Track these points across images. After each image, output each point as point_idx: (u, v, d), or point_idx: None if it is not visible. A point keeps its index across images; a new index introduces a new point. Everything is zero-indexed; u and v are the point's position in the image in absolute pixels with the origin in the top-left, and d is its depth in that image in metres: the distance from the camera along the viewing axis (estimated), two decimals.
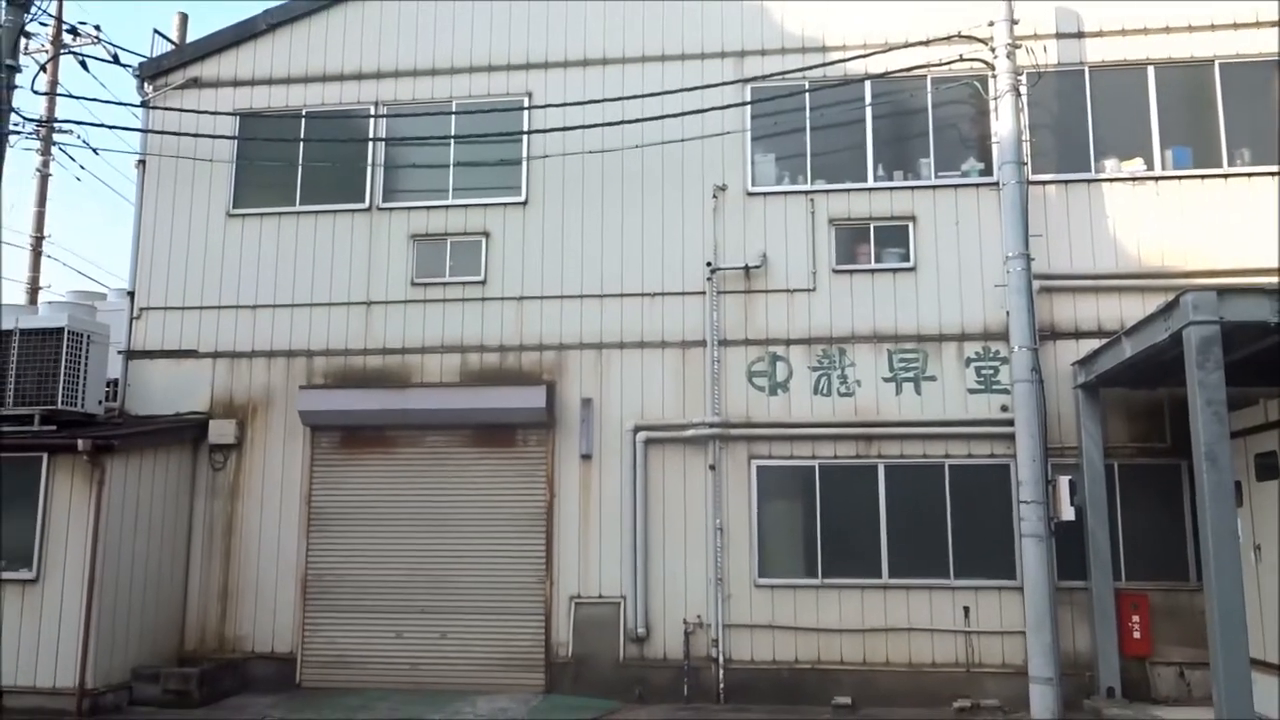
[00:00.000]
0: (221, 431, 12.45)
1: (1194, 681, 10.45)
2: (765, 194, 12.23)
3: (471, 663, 11.69)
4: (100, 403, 12.19)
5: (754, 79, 12.41)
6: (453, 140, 12.89)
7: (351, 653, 11.92)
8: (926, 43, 11.98)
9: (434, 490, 12.13)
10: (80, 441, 10.72)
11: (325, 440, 12.46)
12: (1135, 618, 10.70)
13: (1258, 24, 11.74)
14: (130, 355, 12.96)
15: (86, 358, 11.86)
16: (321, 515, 12.28)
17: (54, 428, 11.40)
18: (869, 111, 12.22)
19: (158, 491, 11.84)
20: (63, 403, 11.50)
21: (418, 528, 12.07)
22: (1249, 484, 9.66)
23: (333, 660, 11.93)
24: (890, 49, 12.10)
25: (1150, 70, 11.87)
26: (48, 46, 18.44)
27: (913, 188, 12.00)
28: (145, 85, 13.75)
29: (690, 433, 11.73)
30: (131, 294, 13.23)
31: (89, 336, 11.96)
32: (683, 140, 12.33)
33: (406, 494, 12.17)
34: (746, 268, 11.98)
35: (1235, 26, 11.76)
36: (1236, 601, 7.58)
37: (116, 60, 14.59)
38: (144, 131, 13.58)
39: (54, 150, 19.58)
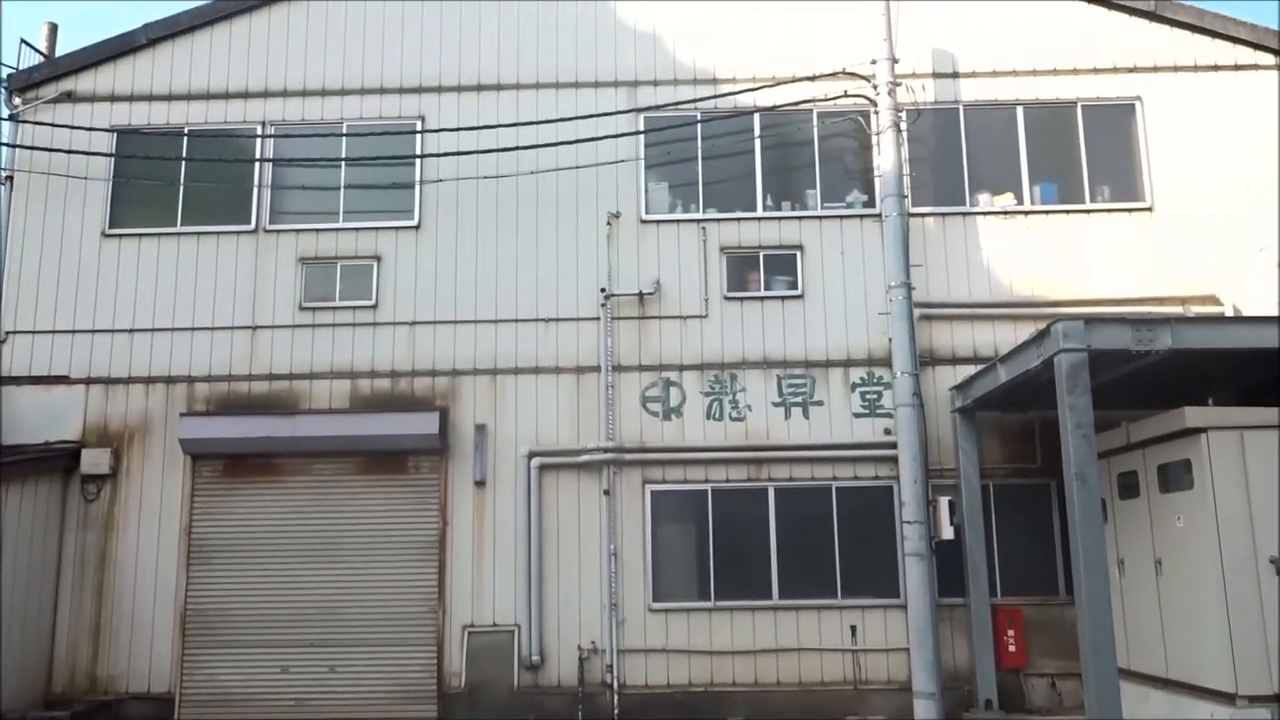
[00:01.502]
0: (95, 461, 11.91)
1: (1065, 691, 11.01)
2: (659, 221, 12.43)
3: (362, 696, 11.43)
4: None
5: (647, 109, 12.63)
6: (343, 162, 12.71)
7: (234, 690, 11.51)
8: (813, 78, 12.42)
9: (322, 520, 11.85)
10: None
11: (207, 469, 12.04)
12: (1010, 632, 11.20)
13: (1115, 70, 12.56)
14: None
15: None
16: (203, 547, 11.85)
17: None
18: (758, 143, 12.57)
19: (25, 525, 11.25)
20: None
21: (305, 559, 11.77)
22: (1113, 503, 10.24)
23: (214, 698, 11.50)
24: (778, 83, 12.50)
25: (1019, 110, 12.56)
26: None
27: (800, 218, 12.38)
28: (14, 98, 13.13)
29: (585, 458, 11.78)
30: None
31: None
32: (577, 167, 12.45)
33: (294, 524, 11.86)
34: (641, 294, 12.14)
35: (1095, 71, 12.56)
36: (1105, 614, 8.04)
37: None
38: (12, 146, 12.95)
39: None
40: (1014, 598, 11.42)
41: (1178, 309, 11.64)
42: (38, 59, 14.24)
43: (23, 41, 14.13)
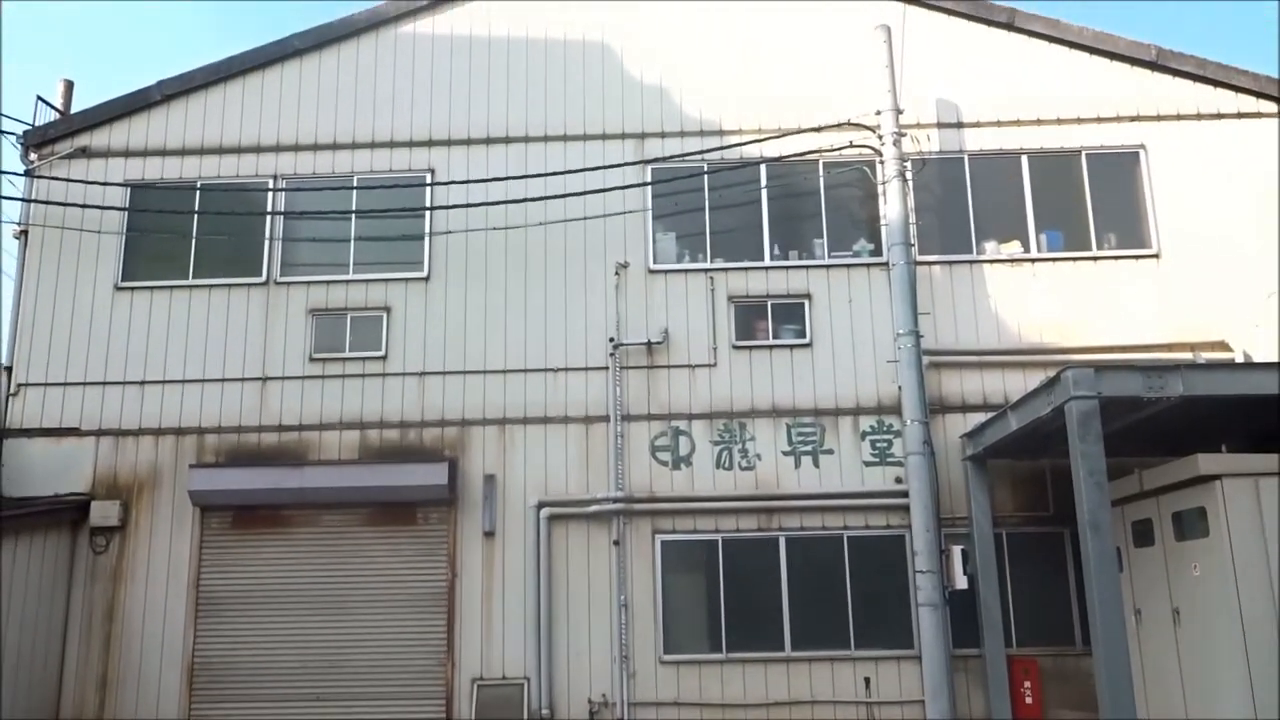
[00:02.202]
0: (104, 513, 11.89)
1: None
2: (666, 271, 12.50)
3: None
4: None
5: (654, 160, 12.76)
6: (354, 215, 12.84)
7: None
8: (818, 129, 12.55)
9: (331, 571, 11.80)
10: None
11: (216, 521, 12.02)
12: (1026, 683, 11.04)
13: (1118, 119, 12.68)
14: (5, 434, 12.32)
15: None
16: (211, 600, 11.79)
17: None
18: (765, 193, 12.67)
19: (33, 577, 11.22)
20: None
21: (313, 611, 11.69)
22: (1128, 551, 10.16)
23: None
24: (784, 134, 12.62)
25: (1024, 159, 12.66)
26: None
27: (807, 267, 12.44)
28: (30, 154, 13.32)
29: (594, 508, 11.73)
30: (8, 369, 12.63)
31: None
32: (585, 218, 12.55)
33: (302, 576, 11.80)
34: (649, 343, 12.17)
35: (1099, 120, 12.68)
36: (1123, 665, 7.94)
37: None
38: (26, 201, 13.12)
39: None
40: (1030, 648, 11.27)
41: (1187, 355, 11.61)
42: (54, 115, 14.49)
43: (39, 99, 14.36)
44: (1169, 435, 9.70)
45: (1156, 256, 12.29)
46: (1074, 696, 10.99)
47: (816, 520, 11.71)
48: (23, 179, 13.36)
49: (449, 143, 13.01)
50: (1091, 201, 12.54)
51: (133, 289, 12.75)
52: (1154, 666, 9.76)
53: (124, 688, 11.56)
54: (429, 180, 12.89)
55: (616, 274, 12.45)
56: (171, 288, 12.72)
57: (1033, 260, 12.35)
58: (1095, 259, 12.33)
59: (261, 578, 11.81)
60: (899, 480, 11.62)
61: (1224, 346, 11.84)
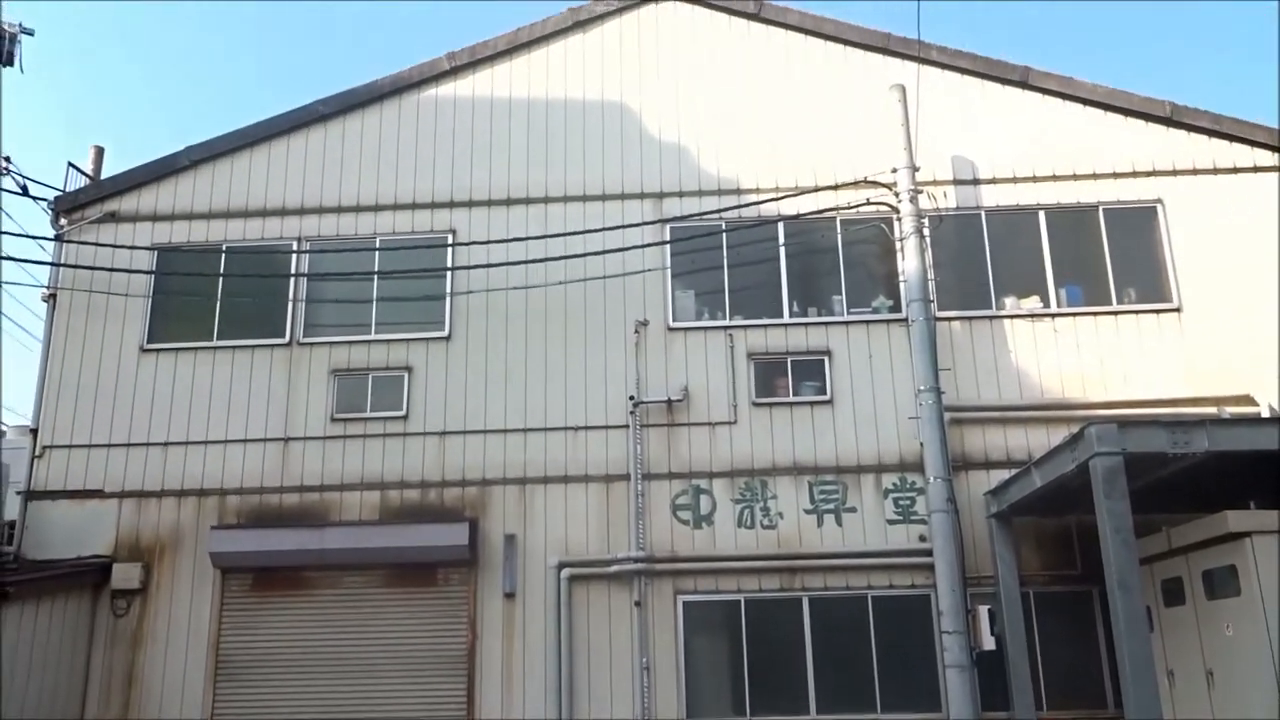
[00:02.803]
0: (126, 576, 11.90)
1: None
2: (686, 329, 12.53)
3: None
4: None
5: (673, 219, 12.87)
6: (376, 275, 12.98)
7: None
8: (835, 187, 12.65)
9: (351, 633, 11.72)
10: None
11: (236, 583, 12.00)
12: None
13: (1134, 174, 12.71)
14: (30, 495, 12.41)
15: None
16: (230, 663, 11.73)
17: None
18: (783, 251, 12.74)
19: (54, 641, 11.20)
20: None
21: (333, 674, 11.60)
22: (1159, 610, 9.98)
23: None
24: (801, 192, 12.73)
25: (1041, 214, 12.69)
26: None
27: (827, 323, 12.45)
28: (60, 219, 13.58)
29: (615, 568, 11.65)
30: (34, 431, 12.75)
31: None
32: (604, 277, 12.64)
33: (322, 638, 11.73)
34: (669, 401, 12.16)
35: (1115, 176, 12.71)
36: None
37: (25, 192, 14.39)
38: (56, 265, 13.34)
39: None
40: (1060, 711, 11.02)
41: (1212, 410, 11.49)
42: (84, 181, 14.80)
43: (70, 165, 14.68)
44: (1198, 491, 9.57)
45: (1178, 310, 12.23)
46: None
47: (840, 580, 11.57)
48: (52, 243, 13.61)
49: (470, 204, 13.18)
50: (1110, 256, 12.52)
51: (158, 351, 12.89)
52: None
53: None
54: (450, 241, 13.04)
55: (636, 332, 12.49)
56: (196, 349, 12.86)
57: (1053, 315, 12.31)
58: (1116, 313, 12.29)
59: (281, 640, 11.75)
60: (923, 538, 11.49)
61: (1249, 401, 11.71)
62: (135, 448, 12.50)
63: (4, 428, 14.97)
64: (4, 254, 13.30)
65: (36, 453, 12.59)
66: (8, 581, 10.60)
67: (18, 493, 12.33)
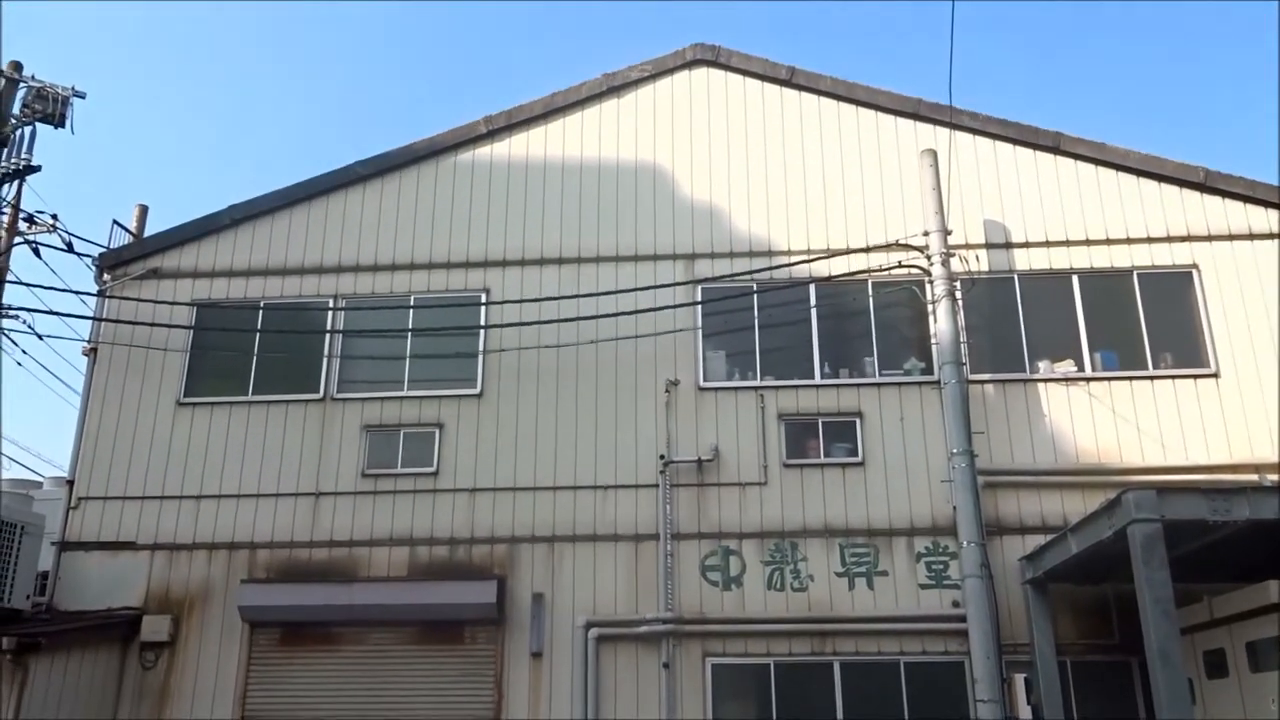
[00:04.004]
0: (155, 628, 11.93)
1: None
2: (716, 389, 12.54)
3: None
4: (28, 597, 11.69)
5: (704, 280, 12.96)
6: (409, 333, 13.12)
7: None
8: (867, 249, 12.71)
9: (377, 691, 11.64)
10: (4, 640, 10.19)
11: (264, 638, 11.99)
12: None
13: (1169, 239, 12.67)
14: (65, 546, 12.51)
15: (18, 549, 11.47)
16: (257, 718, 11.65)
17: None
18: (814, 312, 12.76)
19: (82, 694, 11.21)
20: None
21: None
22: (1200, 682, 9.72)
23: None
24: (833, 254, 12.80)
25: (1075, 278, 12.66)
26: (1, 234, 18.56)
27: (858, 385, 12.41)
28: (104, 274, 13.88)
29: (643, 629, 11.53)
30: (70, 483, 12.91)
31: (23, 527, 11.61)
32: (636, 337, 12.70)
33: (348, 695, 11.65)
34: (699, 461, 12.13)
35: (1149, 240, 12.68)
36: None
37: (71, 249, 14.74)
38: (97, 320, 13.61)
39: None
40: None
41: (1252, 476, 11.30)
42: (127, 238, 15.15)
43: (115, 223, 15.06)
44: (1237, 560, 9.38)
45: (1216, 376, 12.09)
46: None
47: (872, 645, 11.38)
48: (94, 298, 13.91)
49: (504, 263, 13.35)
50: (1146, 320, 12.43)
51: (194, 405, 13.06)
52: None
53: None
54: (483, 300, 13.19)
55: (667, 391, 12.51)
56: (231, 404, 13.02)
57: (1088, 379, 12.21)
58: (1152, 378, 12.16)
59: (308, 696, 11.69)
60: (956, 604, 11.30)
61: None
62: (168, 500, 12.61)
63: (40, 478, 15.15)
64: (48, 308, 13.59)
65: (72, 504, 12.73)
66: (40, 632, 10.66)
67: (53, 544, 12.43)
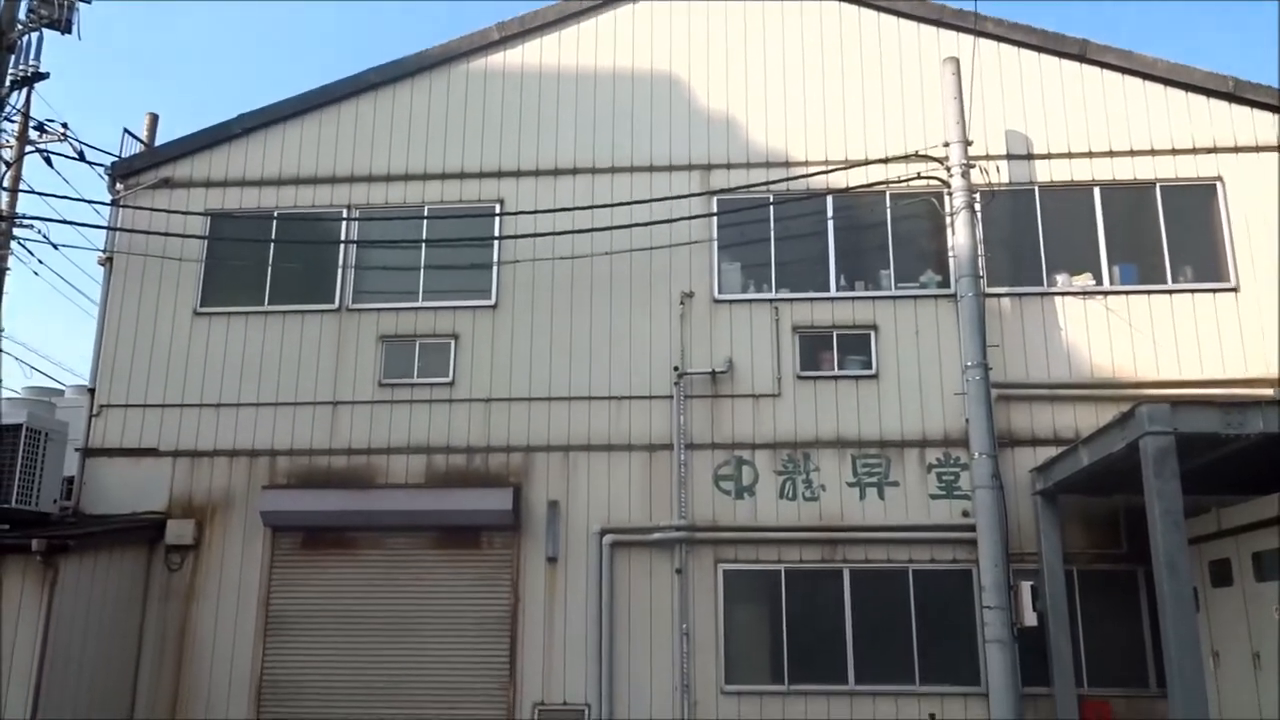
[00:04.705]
0: (179, 532, 12.21)
1: None
2: (731, 301, 12.53)
3: None
4: (55, 501, 11.94)
5: (720, 191, 12.84)
6: (424, 244, 13.10)
7: None
8: (885, 160, 12.54)
9: (396, 593, 11.95)
10: (34, 541, 10.43)
11: (286, 541, 12.27)
12: None
13: (1194, 150, 12.45)
14: (88, 453, 12.74)
15: (44, 456, 11.66)
16: (279, 620, 12.01)
17: (7, 526, 11.11)
18: (831, 224, 12.66)
19: (110, 594, 11.53)
20: (17, 501, 11.25)
21: (379, 632, 11.84)
22: (1205, 591, 9.89)
23: None
24: (851, 165, 12.64)
25: (1096, 191, 12.49)
26: (12, 142, 18.48)
27: (874, 298, 12.38)
28: (116, 184, 13.84)
29: (657, 536, 11.74)
30: (92, 391, 13.08)
31: (47, 434, 11.78)
32: (651, 248, 12.65)
33: (368, 597, 11.97)
34: (713, 373, 12.19)
35: (1174, 152, 12.46)
36: (1200, 710, 7.69)
37: (82, 157, 14.69)
38: (112, 229, 13.61)
39: (13, 245, 19.43)
40: (1102, 689, 10.98)
41: (1268, 391, 11.29)
42: (139, 147, 15.06)
43: (125, 131, 14.96)
44: (1249, 473, 9.44)
45: (1235, 290, 12.01)
46: None
47: (881, 553, 11.58)
48: (108, 208, 13.89)
49: (518, 174, 13.24)
50: (1167, 234, 12.30)
51: (211, 314, 13.13)
52: (1232, 711, 9.46)
53: (193, 706, 11.80)
54: (498, 211, 13.12)
55: (681, 304, 12.51)
56: (248, 314, 13.08)
57: (1105, 293, 12.14)
58: (1170, 292, 12.09)
59: (329, 598, 12.01)
60: (966, 514, 11.46)
61: None
62: (189, 409, 12.77)
63: (62, 387, 15.34)
64: (62, 218, 13.58)
65: (94, 412, 12.91)
66: (68, 535, 10.92)
67: (76, 450, 12.64)
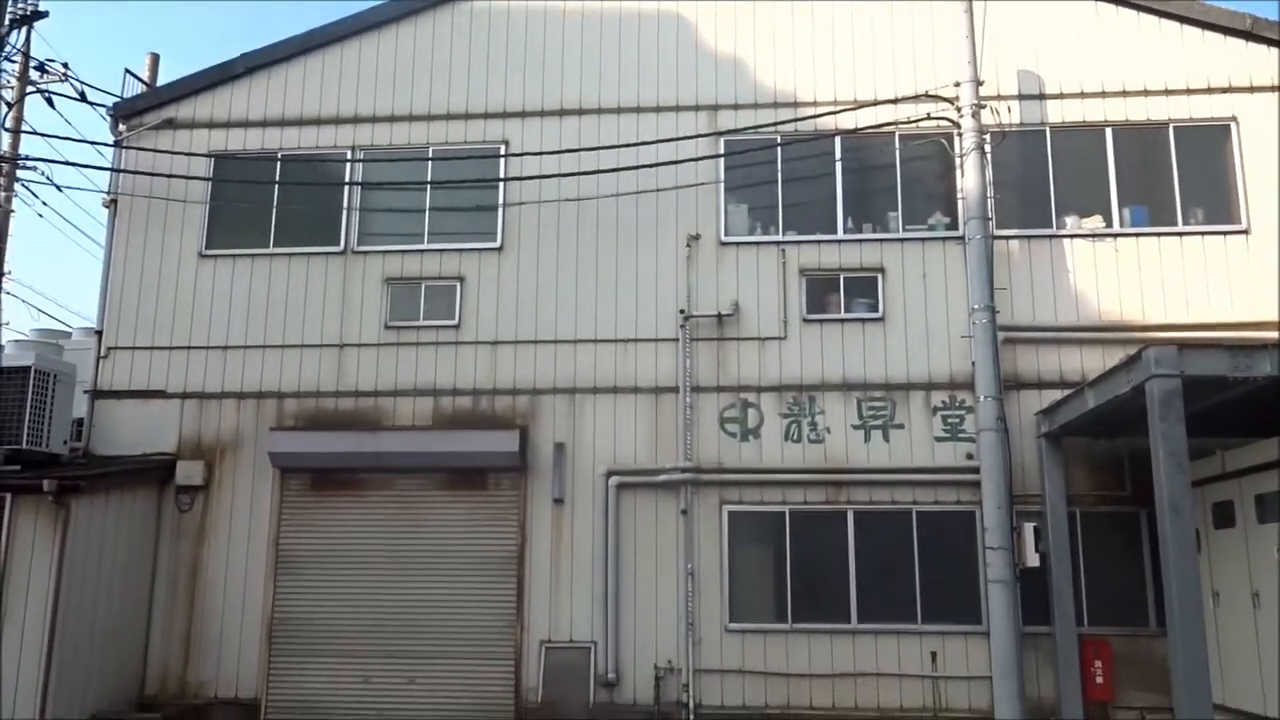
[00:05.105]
0: (189, 473, 12.32)
1: None
2: (738, 244, 12.47)
3: (440, 708, 11.58)
4: (65, 443, 12.04)
5: (727, 132, 12.71)
6: (429, 186, 13.02)
7: (317, 698, 11.76)
8: (895, 101, 12.37)
9: (404, 533, 12.08)
10: (46, 482, 10.55)
11: (295, 483, 12.38)
12: (1097, 663, 10.91)
13: (1209, 90, 12.26)
14: (96, 395, 12.81)
15: (53, 397, 11.74)
16: (289, 559, 12.17)
17: (18, 467, 11.23)
18: (839, 166, 12.54)
19: (122, 533, 11.68)
20: (27, 443, 11.35)
21: (387, 571, 12.00)
22: (1207, 532, 9.96)
23: (298, 705, 11.76)
24: (859, 106, 12.48)
25: (1108, 131, 12.33)
26: (13, 82, 18.32)
27: (881, 240, 12.31)
28: (119, 125, 13.73)
29: (663, 478, 11.82)
30: (99, 333, 13.11)
31: (55, 376, 11.84)
32: (657, 190, 12.56)
33: (376, 537, 12.10)
34: (719, 315, 12.17)
35: (1188, 92, 12.28)
36: (1200, 648, 7.79)
37: (84, 98, 14.56)
38: (116, 171, 13.54)
39: (16, 187, 19.37)
40: (1102, 628, 11.12)
41: (1276, 335, 11.24)
42: (141, 88, 14.92)
43: (127, 71, 14.82)
44: (1255, 417, 9.44)
45: (1246, 233, 11.91)
46: (1146, 679, 10.83)
47: (885, 495, 11.65)
48: (111, 149, 13.81)
49: (523, 114, 13.10)
50: (1178, 175, 12.16)
51: (216, 257, 13.11)
52: (1231, 650, 9.58)
53: (207, 643, 12.01)
54: (503, 152, 13.01)
55: (688, 246, 12.46)
56: (253, 256, 13.06)
57: (1115, 235, 12.05)
58: (1180, 234, 11.99)
59: (338, 538, 12.15)
60: (970, 456, 11.50)
61: None
62: (196, 350, 12.81)
63: (69, 329, 15.39)
64: (65, 160, 13.50)
65: (102, 354, 12.96)
66: (79, 475, 11.03)
67: (85, 392, 12.72)
